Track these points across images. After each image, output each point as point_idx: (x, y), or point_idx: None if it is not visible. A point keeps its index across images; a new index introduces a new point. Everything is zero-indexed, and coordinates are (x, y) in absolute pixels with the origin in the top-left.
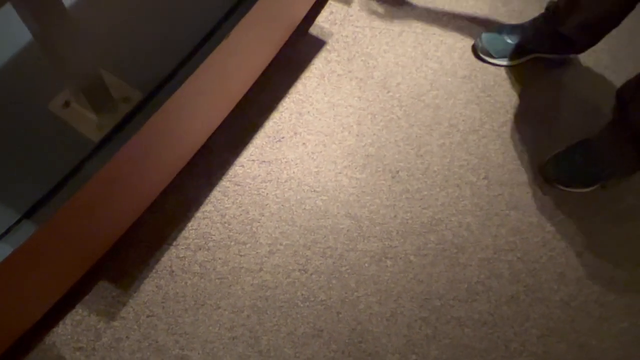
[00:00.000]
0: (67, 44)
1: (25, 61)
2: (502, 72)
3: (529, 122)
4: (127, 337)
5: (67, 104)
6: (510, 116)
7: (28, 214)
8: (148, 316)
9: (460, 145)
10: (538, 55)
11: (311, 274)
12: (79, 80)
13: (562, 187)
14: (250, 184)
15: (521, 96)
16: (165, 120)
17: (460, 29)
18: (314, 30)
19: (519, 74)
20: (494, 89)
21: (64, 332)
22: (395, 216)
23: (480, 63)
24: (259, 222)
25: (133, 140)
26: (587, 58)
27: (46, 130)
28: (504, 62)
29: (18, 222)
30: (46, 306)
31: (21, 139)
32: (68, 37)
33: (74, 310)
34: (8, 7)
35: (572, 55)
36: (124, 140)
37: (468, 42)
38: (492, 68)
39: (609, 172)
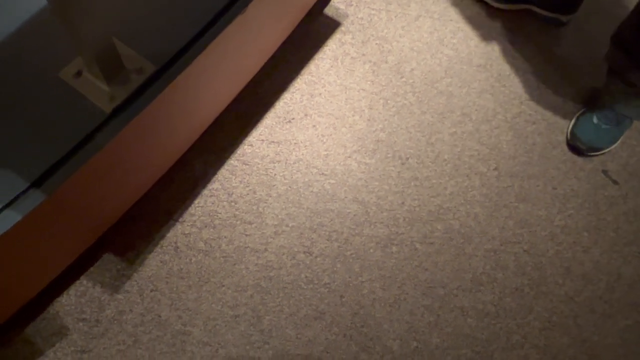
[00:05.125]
0: (82, 12)
1: (38, 28)
2: (519, 62)
3: (544, 114)
4: (130, 310)
5: (79, 74)
6: (524, 107)
7: (37, 183)
8: (152, 291)
9: (471, 135)
10: (530, 7)
11: (316, 257)
12: (92, 49)
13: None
14: (258, 163)
15: (537, 88)
16: (177, 93)
17: (478, 16)
18: (329, 10)
19: (536, 64)
20: (509, 79)
21: (68, 302)
22: (402, 203)
23: (496, 52)
24: (265, 203)
25: (145, 113)
26: None
27: (57, 99)
28: (495, 3)
29: (27, 190)
30: (51, 275)
31: (31, 106)
32: (83, 5)
33: (78, 282)
34: None
35: (565, 20)
36: (135, 112)
37: (485, 30)
38: (508, 57)
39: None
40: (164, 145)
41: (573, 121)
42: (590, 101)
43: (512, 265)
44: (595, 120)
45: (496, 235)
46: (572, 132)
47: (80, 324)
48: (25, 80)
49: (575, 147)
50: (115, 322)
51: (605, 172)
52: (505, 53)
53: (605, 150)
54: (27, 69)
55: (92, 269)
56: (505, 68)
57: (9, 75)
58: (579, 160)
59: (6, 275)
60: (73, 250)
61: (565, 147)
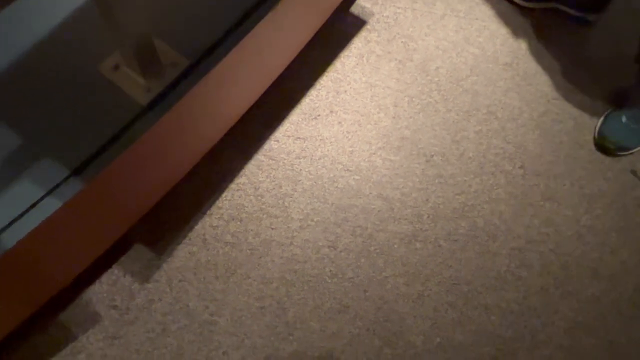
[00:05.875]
0: (122, 8)
1: (79, 23)
2: (545, 60)
3: (571, 113)
4: (159, 299)
5: (117, 67)
6: (551, 106)
7: (77, 171)
8: (180, 281)
9: (497, 133)
10: (557, 6)
11: (340, 251)
12: (131, 44)
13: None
14: (284, 159)
15: (564, 87)
16: (210, 88)
17: (504, 15)
18: (355, 9)
19: (563, 63)
20: (536, 77)
21: (100, 290)
22: (427, 200)
23: (523, 51)
24: (291, 197)
25: (179, 105)
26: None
27: (96, 92)
28: (522, 2)
29: (67, 178)
30: (85, 263)
31: (72, 98)
32: (123, 2)
33: (110, 270)
34: None
35: (592, 19)
36: (170, 104)
37: (511, 29)
38: (534, 56)
39: None
40: (194, 137)
41: (601, 120)
42: (619, 100)
43: (537, 265)
44: (624, 119)
45: (521, 234)
46: (600, 132)
47: (112, 311)
48: (67, 73)
49: (604, 146)
50: (145, 310)
51: (634, 172)
52: (531, 51)
53: (634, 150)
54: (69, 62)
55: (123, 258)
56: (532, 66)
57: (52, 68)
58: (607, 160)
59: (45, 261)
60: (106, 239)
61: (593, 147)
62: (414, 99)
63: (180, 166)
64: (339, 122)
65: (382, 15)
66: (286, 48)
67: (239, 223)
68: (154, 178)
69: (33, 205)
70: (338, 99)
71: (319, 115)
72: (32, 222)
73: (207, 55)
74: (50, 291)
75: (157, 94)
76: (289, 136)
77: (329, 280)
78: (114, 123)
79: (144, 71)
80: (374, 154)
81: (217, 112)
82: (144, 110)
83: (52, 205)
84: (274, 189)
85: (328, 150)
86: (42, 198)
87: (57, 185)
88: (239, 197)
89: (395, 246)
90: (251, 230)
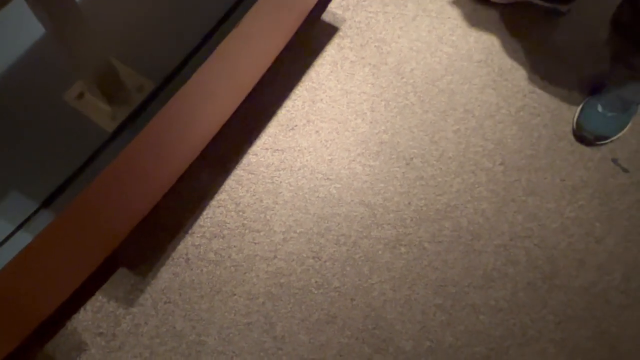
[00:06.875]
0: (79, 37)
1: (41, 54)
2: (519, 55)
3: (548, 106)
4: (145, 323)
5: (81, 95)
6: (528, 100)
7: (46, 203)
8: (165, 303)
9: (475, 131)
10: None
11: (325, 261)
12: (92, 71)
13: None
14: (264, 172)
15: (540, 80)
16: (178, 108)
17: (475, 12)
18: (326, 16)
19: (537, 56)
20: (511, 72)
21: (84, 318)
22: (409, 203)
23: (496, 47)
24: (272, 210)
25: (146, 130)
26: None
27: (62, 121)
28: None
29: (36, 211)
30: (67, 292)
31: (38, 130)
32: (79, 30)
33: (94, 297)
34: (21, 1)
35: (564, 10)
36: (137, 129)
37: (484, 26)
38: (508, 51)
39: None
40: (168, 159)
41: (578, 111)
42: (595, 89)
43: (524, 260)
44: (600, 108)
45: (505, 231)
46: (577, 122)
47: (98, 338)
48: (31, 104)
49: (582, 137)
50: (131, 335)
51: (614, 160)
52: (505, 47)
53: (613, 138)
54: (32, 93)
55: (106, 284)
56: (506, 62)
57: (16, 100)
58: (587, 150)
59: (23, 294)
60: (86, 267)
61: (572, 138)
62: (390, 103)
63: (155, 188)
64: (317, 131)
65: (354, 21)
66: (257, 61)
67: (221, 240)
68: (129, 202)
69: (4, 242)
70: (314, 108)
71: (296, 126)
72: (3, 259)
73: (173, 76)
74: (33, 323)
75: (123, 120)
76: (267, 149)
77: (315, 292)
78: (81, 152)
79: (109, 97)
80: (354, 160)
81: (191, 132)
82: (111, 137)
83: (23, 239)
84: (254, 203)
85: (307, 160)
86: (12, 233)
87: (27, 219)
88: (220, 213)
89: (380, 252)
90: (234, 246)
